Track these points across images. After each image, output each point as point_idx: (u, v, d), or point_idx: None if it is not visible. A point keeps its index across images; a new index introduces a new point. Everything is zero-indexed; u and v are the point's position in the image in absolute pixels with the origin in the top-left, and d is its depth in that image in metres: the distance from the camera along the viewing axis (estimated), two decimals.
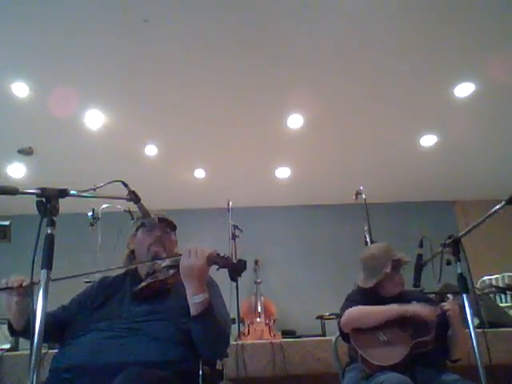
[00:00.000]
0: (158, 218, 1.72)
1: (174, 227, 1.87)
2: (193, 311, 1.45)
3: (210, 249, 1.49)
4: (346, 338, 2.09)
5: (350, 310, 2.05)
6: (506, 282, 4.40)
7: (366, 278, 2.19)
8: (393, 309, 2.02)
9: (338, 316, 2.13)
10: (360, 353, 1.96)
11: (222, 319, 1.51)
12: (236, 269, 1.44)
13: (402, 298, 2.16)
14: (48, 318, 1.50)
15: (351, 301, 2.14)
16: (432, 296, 3.05)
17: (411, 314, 1.99)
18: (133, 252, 1.83)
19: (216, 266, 1.47)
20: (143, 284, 1.61)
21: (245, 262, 1.45)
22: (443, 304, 2.04)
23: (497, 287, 2.18)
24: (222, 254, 1.47)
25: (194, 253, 1.45)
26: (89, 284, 1.87)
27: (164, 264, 1.65)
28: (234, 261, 1.45)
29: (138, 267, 1.77)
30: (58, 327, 1.61)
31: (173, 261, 1.61)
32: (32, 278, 1.21)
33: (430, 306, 2.03)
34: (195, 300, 1.43)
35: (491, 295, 3.92)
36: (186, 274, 1.45)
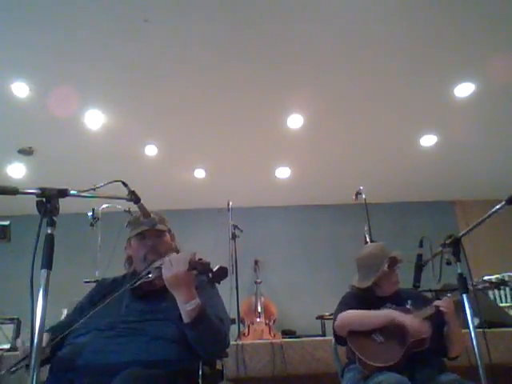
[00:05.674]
0: (147, 229, 1.72)
1: (165, 231, 1.81)
2: (185, 318, 1.42)
3: (191, 253, 1.46)
4: (342, 340, 2.08)
5: (344, 313, 2.04)
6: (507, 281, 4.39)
7: (363, 277, 2.18)
8: (388, 314, 1.99)
9: (332, 319, 2.11)
10: (357, 354, 1.95)
11: (217, 320, 1.49)
12: (215, 276, 1.40)
13: (397, 296, 2.15)
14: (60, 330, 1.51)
15: (345, 304, 2.12)
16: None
17: (408, 327, 1.92)
18: (131, 257, 1.83)
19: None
20: (141, 281, 1.62)
21: (226, 269, 1.42)
22: (437, 302, 2.02)
23: (490, 282, 2.17)
24: (202, 260, 1.44)
25: (175, 261, 1.44)
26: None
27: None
28: (215, 268, 1.40)
29: (137, 269, 1.77)
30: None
31: None
32: (32, 278, 1.20)
33: (427, 323, 1.96)
34: (187, 308, 1.41)
35: (487, 291, 3.91)
36: (172, 284, 1.43)
